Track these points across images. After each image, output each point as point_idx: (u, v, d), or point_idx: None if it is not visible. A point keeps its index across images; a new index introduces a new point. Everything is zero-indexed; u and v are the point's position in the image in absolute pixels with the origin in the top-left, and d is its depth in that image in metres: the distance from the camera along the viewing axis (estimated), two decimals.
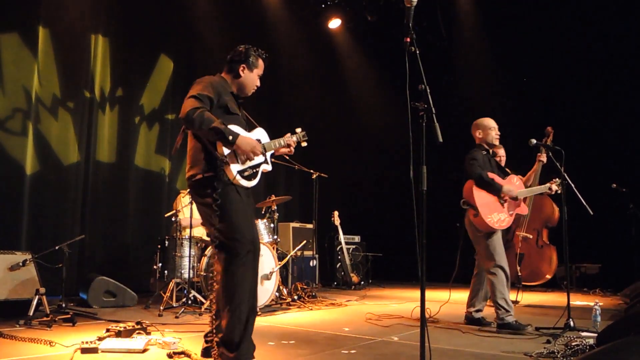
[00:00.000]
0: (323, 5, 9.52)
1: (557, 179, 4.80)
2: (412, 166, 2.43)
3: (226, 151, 2.83)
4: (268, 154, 3.18)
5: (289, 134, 3.36)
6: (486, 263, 4.30)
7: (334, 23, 9.75)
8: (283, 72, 9.40)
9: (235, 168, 2.87)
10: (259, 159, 3.02)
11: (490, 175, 4.32)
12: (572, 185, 4.46)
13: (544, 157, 5.50)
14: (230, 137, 2.77)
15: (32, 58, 6.10)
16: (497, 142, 4.52)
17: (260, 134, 3.18)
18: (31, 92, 6.06)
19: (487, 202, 4.25)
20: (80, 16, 6.61)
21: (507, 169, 4.72)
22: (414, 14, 2.50)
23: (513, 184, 4.46)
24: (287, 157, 6.18)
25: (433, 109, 2.46)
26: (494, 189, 4.28)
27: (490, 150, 4.56)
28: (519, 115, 8.58)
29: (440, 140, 2.43)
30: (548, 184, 4.76)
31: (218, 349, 2.79)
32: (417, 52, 2.49)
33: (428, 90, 2.47)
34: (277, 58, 9.25)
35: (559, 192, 4.78)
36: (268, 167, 3.18)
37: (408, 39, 2.49)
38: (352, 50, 10.40)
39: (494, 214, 4.24)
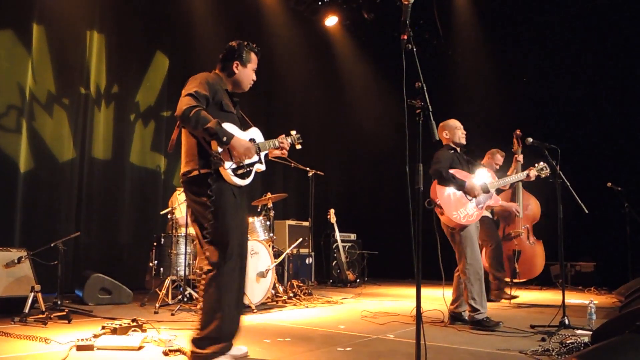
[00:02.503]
0: (320, 3, 9.51)
1: (538, 164, 4.83)
2: (408, 164, 2.43)
3: (220, 150, 2.82)
4: (262, 154, 3.17)
5: (283, 135, 3.34)
6: (460, 261, 4.32)
7: (331, 21, 9.75)
8: (279, 70, 9.38)
9: (228, 166, 2.87)
10: (253, 158, 3.01)
11: (455, 170, 4.33)
12: (568, 183, 4.47)
13: (520, 158, 5.66)
14: (225, 138, 2.77)
15: (27, 54, 6.06)
16: (464, 142, 4.55)
17: (254, 133, 3.18)
18: (25, 88, 6.02)
19: (451, 200, 4.26)
20: (75, 13, 6.57)
21: (480, 162, 4.74)
22: (411, 12, 2.50)
23: (481, 177, 4.46)
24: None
25: (430, 107, 2.46)
26: (456, 185, 4.28)
27: (458, 149, 4.58)
28: (516, 114, 8.60)
29: (437, 138, 2.44)
30: (526, 171, 4.79)
31: (191, 344, 2.79)
32: (414, 49, 2.49)
33: (425, 88, 2.46)
34: (273, 56, 9.24)
35: (541, 176, 4.81)
36: (262, 167, 3.16)
37: (405, 37, 2.48)
38: (348, 48, 10.39)
39: (460, 210, 4.25)
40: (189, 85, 2.93)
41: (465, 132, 4.59)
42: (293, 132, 3.47)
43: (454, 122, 4.60)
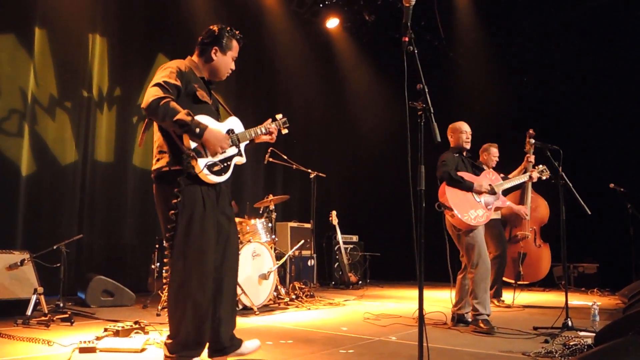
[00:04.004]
0: (321, 5, 9.52)
1: (538, 167, 4.84)
2: (410, 166, 2.43)
3: (193, 144, 2.63)
4: (242, 145, 2.96)
5: (269, 120, 3.17)
6: (467, 263, 4.33)
7: (332, 23, 9.74)
8: (280, 72, 9.39)
9: (203, 162, 2.67)
10: (231, 151, 2.83)
11: (460, 173, 4.35)
12: (570, 184, 4.46)
13: (532, 158, 5.66)
14: (197, 130, 2.58)
15: (29, 58, 6.07)
16: (467, 146, 4.56)
17: (233, 123, 2.96)
18: (27, 92, 6.03)
19: (461, 201, 4.26)
20: (77, 16, 6.57)
21: (484, 166, 4.75)
22: (412, 13, 2.50)
23: (487, 179, 4.48)
24: (286, 157, 6.19)
25: (431, 109, 2.46)
26: (465, 186, 4.31)
27: (464, 152, 4.59)
28: (518, 114, 8.60)
29: (439, 139, 2.44)
30: (528, 173, 4.79)
31: (164, 346, 2.74)
32: (416, 51, 2.49)
33: (426, 90, 2.47)
34: (274, 57, 9.26)
35: (543, 179, 4.82)
36: (242, 160, 2.95)
37: (406, 39, 2.48)
38: (349, 50, 10.40)
39: (471, 212, 4.25)
40: (157, 74, 2.71)
41: (469, 137, 4.58)
42: (279, 116, 3.26)
43: (460, 126, 4.60)
